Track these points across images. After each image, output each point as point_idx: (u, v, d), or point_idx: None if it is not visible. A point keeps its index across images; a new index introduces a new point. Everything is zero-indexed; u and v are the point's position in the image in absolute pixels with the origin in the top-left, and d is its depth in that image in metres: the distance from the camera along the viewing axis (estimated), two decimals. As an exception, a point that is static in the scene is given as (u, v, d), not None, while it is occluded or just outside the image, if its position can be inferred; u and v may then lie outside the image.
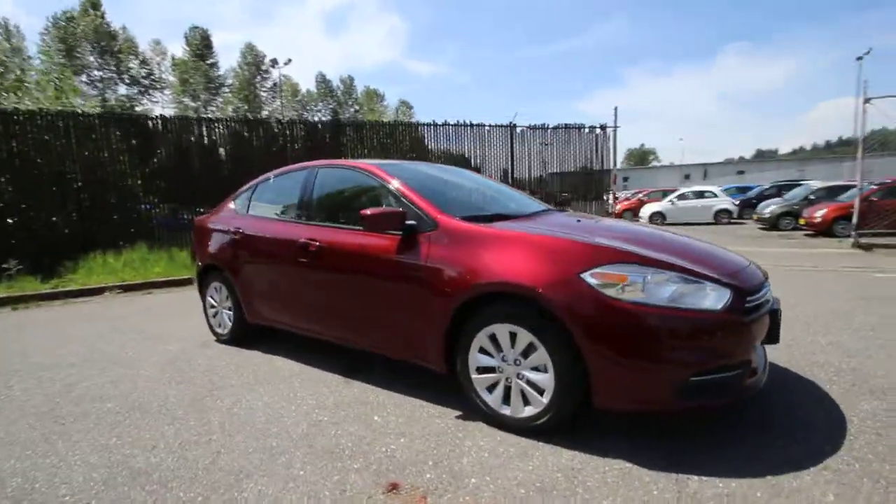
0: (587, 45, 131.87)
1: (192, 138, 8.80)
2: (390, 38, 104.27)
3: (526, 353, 2.10)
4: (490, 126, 10.54)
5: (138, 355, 3.62)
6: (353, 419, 2.39)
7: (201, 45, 41.26)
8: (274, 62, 36.24)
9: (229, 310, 3.75)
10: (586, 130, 10.93)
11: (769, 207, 15.12)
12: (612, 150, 10.91)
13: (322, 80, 50.46)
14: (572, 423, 2.09)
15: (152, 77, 39.34)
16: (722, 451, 1.96)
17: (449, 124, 10.24)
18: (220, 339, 3.85)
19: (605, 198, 11.07)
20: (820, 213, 12.17)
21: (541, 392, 2.07)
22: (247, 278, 3.50)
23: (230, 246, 3.63)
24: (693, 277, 1.94)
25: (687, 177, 47.70)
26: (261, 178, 3.81)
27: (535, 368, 2.08)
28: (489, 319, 2.18)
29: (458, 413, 2.39)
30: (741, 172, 43.84)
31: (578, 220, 2.69)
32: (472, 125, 10.40)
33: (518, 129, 10.64)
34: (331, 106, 50.43)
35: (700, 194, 18.10)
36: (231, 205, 3.90)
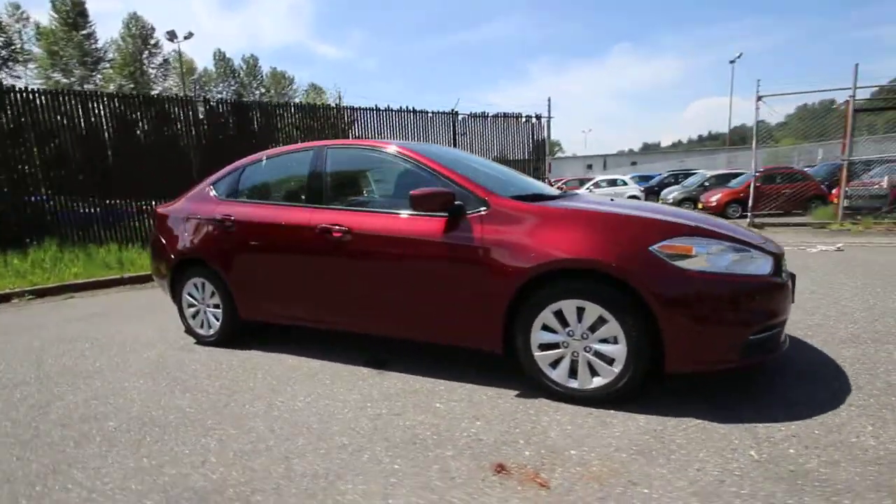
0: (488, 37, 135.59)
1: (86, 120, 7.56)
2: (293, 15, 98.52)
3: (594, 327, 2.18)
4: (433, 113, 10.50)
5: (111, 365, 3.14)
6: (414, 409, 2.31)
7: (73, 11, 35.59)
8: (172, 35, 32.28)
9: (216, 307, 3.38)
10: (523, 120, 11.37)
11: (672, 193, 16.98)
12: (546, 140, 11.48)
13: (222, 59, 46.30)
14: (640, 389, 2.22)
15: (13, 48, 33.19)
16: (762, 402, 2.20)
17: (392, 110, 10.03)
18: (205, 341, 3.46)
19: (541, 185, 11.64)
20: (715, 198, 13.91)
21: (610, 362, 2.17)
22: (242, 271, 3.17)
23: (218, 236, 3.26)
24: (742, 246, 2.15)
25: (589, 167, 51.39)
26: (247, 160, 3.45)
27: (604, 340, 2.17)
28: (556, 296, 2.22)
29: (515, 393, 2.42)
30: (634, 163, 48.40)
31: (612, 199, 2.83)
32: (415, 111, 10.27)
33: (460, 117, 10.74)
34: (233, 87, 46.56)
35: (613, 182, 19.76)
36: (209, 191, 3.49)
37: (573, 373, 2.26)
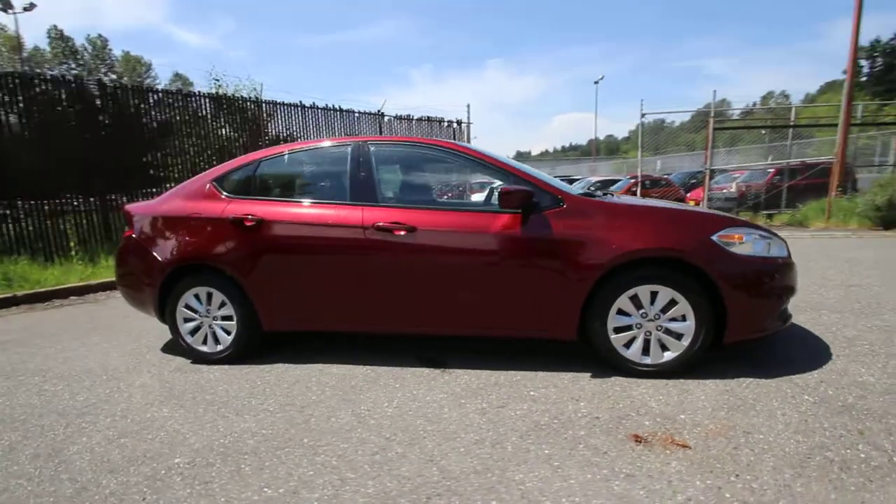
0: (367, 39, 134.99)
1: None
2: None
3: (665, 308, 2.48)
4: (359, 113, 10.23)
5: (104, 398, 2.60)
6: (513, 400, 2.37)
7: None
8: (6, 5, 25.89)
9: (226, 320, 2.98)
10: (445, 124, 11.66)
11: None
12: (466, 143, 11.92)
13: (59, 37, 38.88)
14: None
15: None
16: (779, 361, 2.71)
17: (318, 108, 9.52)
18: (211, 359, 3.03)
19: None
20: (604, 200, 15.82)
21: (679, 338, 2.49)
22: (270, 276, 2.86)
23: (233, 238, 2.89)
24: (767, 234, 2.63)
25: (476, 171, 54.09)
26: (260, 154, 3.11)
27: (673, 319, 2.48)
28: (633, 282, 2.47)
29: (589, 374, 2.61)
30: (515, 169, 52.19)
31: (644, 198, 3.18)
32: (341, 110, 9.90)
33: (386, 118, 10.63)
34: (74, 70, 39.39)
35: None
36: (211, 187, 3.06)
37: (646, 350, 2.53)
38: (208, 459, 1.95)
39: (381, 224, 2.68)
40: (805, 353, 2.80)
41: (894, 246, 6.72)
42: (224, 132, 8.55)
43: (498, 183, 2.80)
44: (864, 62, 59.94)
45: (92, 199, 6.94)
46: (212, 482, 1.80)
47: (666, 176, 18.43)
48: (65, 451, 2.08)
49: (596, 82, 36.51)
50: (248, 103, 8.65)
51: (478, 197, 4.50)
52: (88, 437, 2.18)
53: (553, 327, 2.62)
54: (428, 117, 11.24)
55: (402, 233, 2.65)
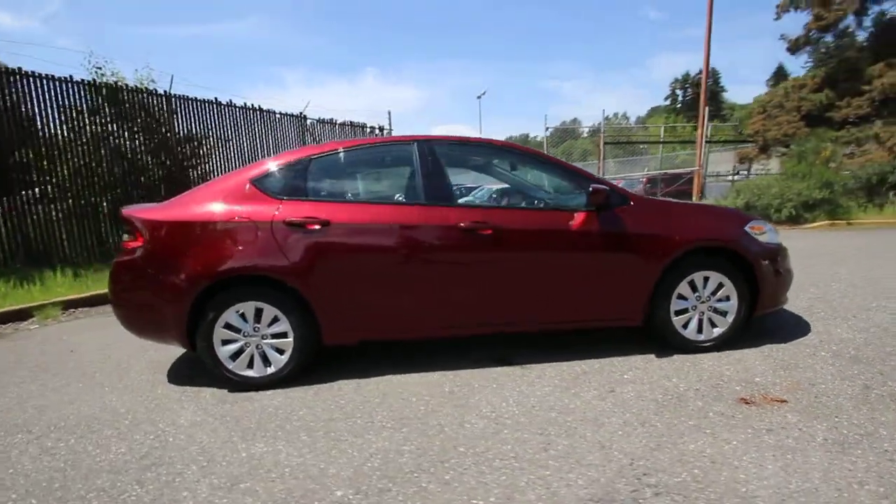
0: (229, 34, 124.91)
1: None
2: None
3: (715, 291, 2.88)
4: (281, 114, 9.49)
5: (166, 443, 2.14)
6: (616, 384, 2.52)
7: None
8: None
9: (277, 337, 2.64)
10: (367, 130, 11.39)
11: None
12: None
13: None
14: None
15: None
16: (775, 328, 3.32)
17: (235, 106, 8.60)
18: (260, 382, 2.65)
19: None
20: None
21: (724, 315, 2.91)
22: (337, 284, 2.62)
23: (296, 243, 2.58)
24: (770, 226, 3.21)
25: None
26: (309, 151, 2.82)
27: (720, 300, 2.90)
28: (691, 269, 2.82)
29: (653, 355, 2.89)
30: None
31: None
32: (261, 110, 9.06)
33: (308, 121, 10.02)
34: None
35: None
36: (251, 187, 2.68)
37: (699, 329, 2.91)
38: (376, 485, 1.76)
39: (464, 224, 2.65)
40: (787, 322, 3.46)
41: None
42: (110, 128, 7.18)
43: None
44: (679, 91, 73.65)
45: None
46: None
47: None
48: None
49: (479, 97, 38.91)
50: (150, 97, 7.47)
51: (467, 198, 4.59)
52: (192, 492, 1.78)
53: (627, 315, 2.85)
54: (351, 122, 10.90)
55: (489, 232, 2.66)
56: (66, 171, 6.69)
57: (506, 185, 3.35)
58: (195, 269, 2.54)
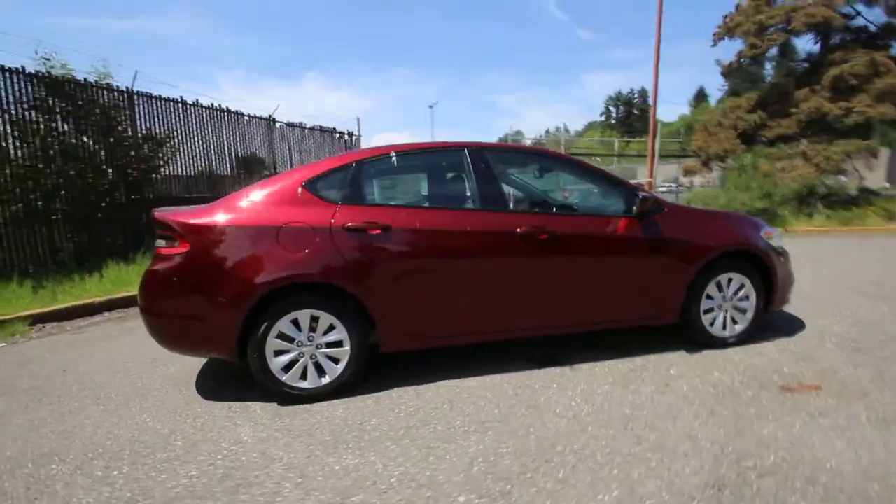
0: (152, 29, 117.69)
1: None
2: None
3: (737, 291, 3.13)
4: (250, 116, 9.04)
5: (244, 464, 1.99)
6: (670, 380, 2.67)
7: None
8: None
9: (331, 346, 2.55)
10: (337, 136, 11.13)
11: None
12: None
13: None
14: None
15: None
16: (774, 325, 3.65)
17: (202, 106, 8.09)
18: (314, 395, 2.53)
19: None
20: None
21: (743, 312, 3.17)
22: (397, 290, 2.57)
23: (357, 249, 2.51)
24: (777, 232, 3.53)
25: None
26: (362, 155, 2.77)
27: (740, 299, 3.15)
28: (720, 271, 3.05)
29: (683, 351, 3.08)
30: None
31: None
32: (229, 111, 8.59)
33: (277, 125, 9.63)
34: None
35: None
36: (303, 192, 2.58)
37: (724, 326, 3.14)
38: (494, 488, 1.75)
39: (521, 229, 2.70)
40: (774, 321, 3.81)
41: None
42: (61, 126, 6.50)
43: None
44: (612, 108, 78.86)
45: None
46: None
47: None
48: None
49: (430, 106, 39.28)
50: (107, 93, 6.88)
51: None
52: (299, 506, 1.69)
53: (665, 314, 3.03)
54: (321, 127, 10.61)
55: (545, 237, 2.73)
56: (9, 173, 5.99)
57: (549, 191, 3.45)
58: (251, 277, 2.40)
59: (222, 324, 2.42)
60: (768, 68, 16.79)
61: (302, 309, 2.49)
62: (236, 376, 2.83)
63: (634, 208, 2.86)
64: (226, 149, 8.65)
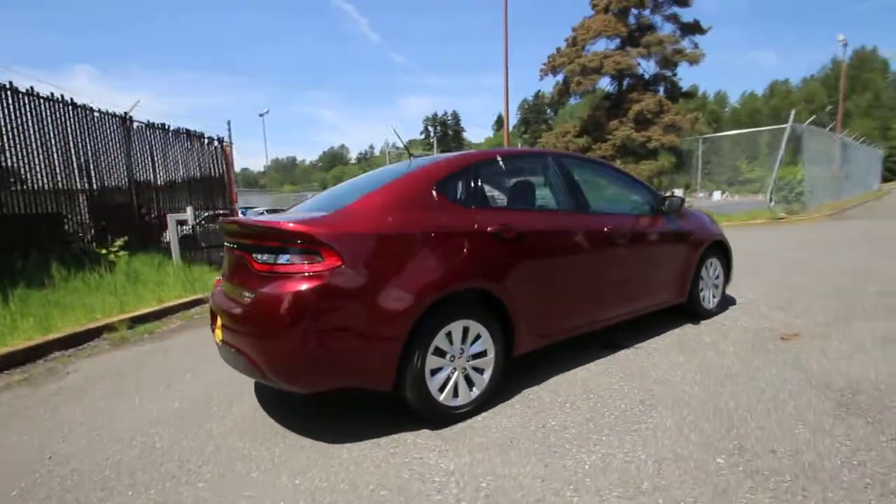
0: None
1: None
2: None
3: (715, 271, 4.03)
4: (101, 112, 7.06)
5: (440, 489, 1.80)
6: (705, 351, 3.29)
7: None
8: None
9: (476, 357, 2.45)
10: (206, 140, 9.43)
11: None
12: (231, 164, 10.06)
13: None
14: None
15: None
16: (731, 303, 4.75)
17: (40, 96, 6.03)
18: (466, 410, 2.38)
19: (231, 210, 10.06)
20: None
21: (717, 287, 4.08)
22: (529, 293, 2.61)
23: (500, 254, 2.47)
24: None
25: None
26: (476, 157, 2.70)
27: (716, 277, 4.06)
28: (708, 257, 3.89)
29: (690, 324, 3.81)
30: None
31: None
32: (73, 104, 6.58)
33: (136, 125, 7.73)
34: None
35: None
36: (438, 196, 2.40)
37: (709, 301, 4.00)
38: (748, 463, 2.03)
39: (605, 230, 3.02)
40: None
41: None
42: None
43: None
44: (430, 128, 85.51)
45: None
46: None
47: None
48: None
49: (261, 115, 36.15)
50: None
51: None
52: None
53: (681, 295, 3.70)
54: (187, 130, 8.90)
55: (622, 237, 3.10)
56: None
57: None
58: (414, 289, 2.15)
59: (383, 347, 2.11)
60: (578, 101, 20.80)
61: (456, 320, 2.33)
62: (333, 412, 2.43)
63: (664, 206, 3.47)
64: (71, 149, 6.67)
